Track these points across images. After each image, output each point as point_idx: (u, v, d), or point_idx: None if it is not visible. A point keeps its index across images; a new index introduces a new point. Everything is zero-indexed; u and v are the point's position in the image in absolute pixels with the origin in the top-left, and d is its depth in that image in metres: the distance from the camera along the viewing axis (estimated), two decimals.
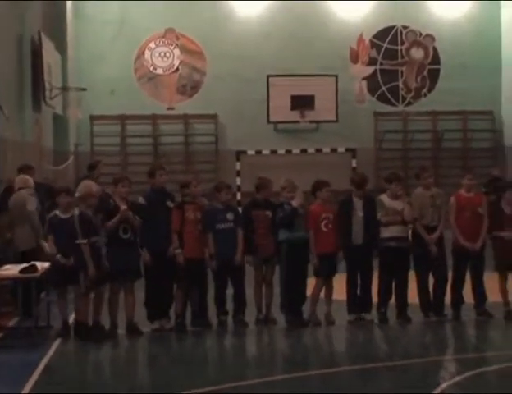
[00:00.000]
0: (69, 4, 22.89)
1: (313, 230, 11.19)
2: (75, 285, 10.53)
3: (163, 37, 24.86)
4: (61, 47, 21.24)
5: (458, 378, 8.19)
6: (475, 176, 11.87)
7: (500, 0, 25.97)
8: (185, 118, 24.77)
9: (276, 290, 11.34)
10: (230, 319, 11.23)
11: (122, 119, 24.46)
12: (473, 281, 11.43)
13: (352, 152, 24.76)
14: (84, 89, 21.92)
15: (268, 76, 24.03)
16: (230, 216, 11.20)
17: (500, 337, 10.78)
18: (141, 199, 11.14)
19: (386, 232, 11.29)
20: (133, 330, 10.82)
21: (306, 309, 11.27)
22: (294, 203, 11.15)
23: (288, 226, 11.12)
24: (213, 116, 24.72)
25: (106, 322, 10.77)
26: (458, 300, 11.39)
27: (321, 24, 25.29)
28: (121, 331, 10.79)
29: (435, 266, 11.31)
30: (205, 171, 22.79)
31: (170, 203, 11.13)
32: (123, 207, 10.71)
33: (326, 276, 11.28)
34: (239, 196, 22.95)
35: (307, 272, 11.28)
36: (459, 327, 11.10)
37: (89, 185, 11.29)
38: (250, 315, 11.29)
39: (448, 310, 11.38)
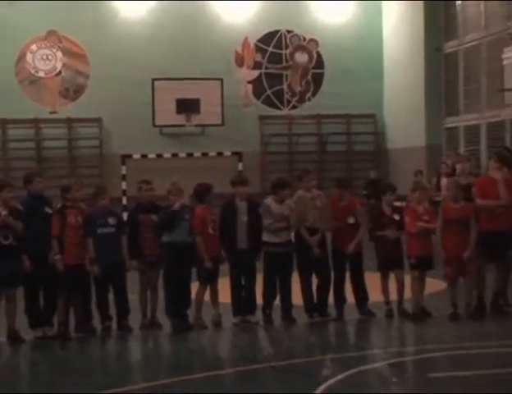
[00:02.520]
0: None
1: (199, 233, 11.17)
2: None
3: (45, 39, 24.35)
4: None
5: (340, 377, 8.32)
6: (356, 178, 12.07)
7: (382, 3, 26.57)
8: (69, 122, 24.35)
9: (161, 294, 11.27)
10: (114, 325, 11.10)
11: (3, 123, 23.87)
12: (352, 281, 11.63)
13: (238, 155, 24.85)
14: None
15: (153, 80, 23.88)
16: (111, 220, 11.07)
17: (381, 336, 11.00)
18: (18, 205, 10.86)
19: (272, 238, 11.35)
20: (14, 337, 10.57)
21: (192, 312, 11.25)
22: (176, 206, 11.11)
23: (168, 229, 11.06)
24: (97, 120, 24.39)
25: None
26: (340, 300, 11.57)
27: (206, 27, 25.30)
28: (2, 338, 10.52)
29: (318, 267, 11.45)
30: (90, 176, 22.46)
31: (48, 210, 10.91)
32: (3, 212, 10.45)
33: (211, 279, 11.28)
34: (124, 200, 22.74)
35: (191, 275, 11.25)
36: (342, 327, 11.27)
37: None
38: (135, 320, 11.18)
39: (332, 310, 11.54)
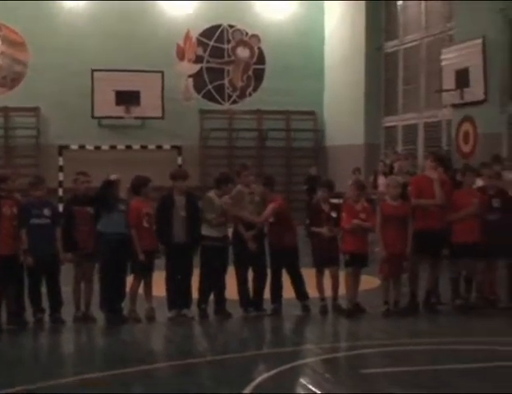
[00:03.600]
0: None
1: (134, 226, 11.10)
2: None
3: None
4: None
5: (273, 372, 8.34)
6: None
7: (324, 2, 26.70)
8: (5, 111, 24.01)
9: (96, 287, 11.17)
10: (47, 317, 10.97)
11: None
12: (290, 277, 11.67)
13: (177, 149, 24.77)
14: None
15: (93, 70, 23.67)
16: (47, 212, 10.93)
17: (315, 331, 11.06)
18: None
19: (211, 232, 11.33)
20: None
21: (126, 306, 11.17)
22: (112, 177, 11.07)
23: (103, 203, 10.97)
24: (35, 110, 24.08)
25: None
26: (276, 296, 11.59)
27: (148, 20, 25.15)
28: None
29: (254, 262, 11.46)
30: (26, 166, 22.20)
31: None
32: None
33: (145, 272, 11.22)
34: (60, 192, 22.51)
35: (126, 268, 11.16)
36: (277, 322, 11.29)
37: None
38: (68, 313, 11.07)
39: (268, 305, 11.56)
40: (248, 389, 7.69)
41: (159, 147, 24.72)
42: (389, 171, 18.94)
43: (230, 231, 11.63)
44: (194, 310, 11.36)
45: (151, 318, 11.21)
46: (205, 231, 11.37)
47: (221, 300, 11.43)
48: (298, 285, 11.65)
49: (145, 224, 11.20)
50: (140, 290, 11.30)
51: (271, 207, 11.42)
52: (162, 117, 24.41)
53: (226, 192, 11.41)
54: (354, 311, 11.45)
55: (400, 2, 24.11)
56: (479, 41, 19.00)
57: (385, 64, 24.77)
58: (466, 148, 19.75)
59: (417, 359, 9.19)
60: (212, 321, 11.27)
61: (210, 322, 11.23)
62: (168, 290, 11.33)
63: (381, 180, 18.59)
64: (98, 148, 24.15)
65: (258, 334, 10.89)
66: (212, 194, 11.53)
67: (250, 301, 11.54)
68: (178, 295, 11.33)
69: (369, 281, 12.77)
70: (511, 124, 19.10)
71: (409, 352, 9.46)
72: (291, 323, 11.44)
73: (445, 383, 8.02)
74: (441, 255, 11.85)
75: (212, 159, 25.19)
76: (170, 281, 11.34)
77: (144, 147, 24.59)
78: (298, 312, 11.58)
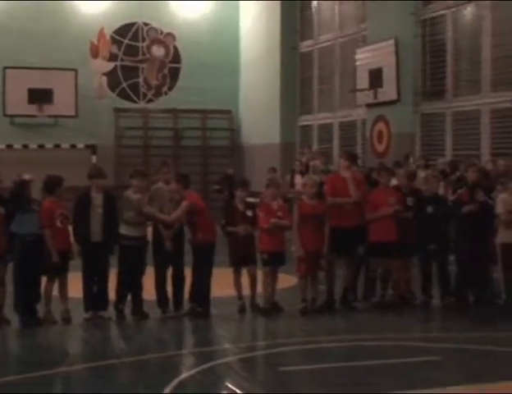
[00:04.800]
0: None
1: (47, 226, 10.90)
2: None
3: None
4: None
5: (192, 372, 8.32)
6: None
7: (239, 1, 26.76)
8: None
9: (10, 288, 10.95)
10: None
11: None
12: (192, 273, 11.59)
13: (92, 148, 24.49)
14: None
15: (5, 68, 23.23)
16: None
17: (233, 331, 11.05)
18: None
19: (130, 231, 11.21)
20: None
21: (41, 307, 10.98)
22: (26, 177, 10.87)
23: (17, 203, 10.77)
24: None
25: None
26: (196, 295, 11.53)
27: (61, 17, 24.82)
28: None
29: (173, 261, 11.38)
30: None
31: None
32: None
33: (59, 273, 11.04)
34: None
35: (41, 269, 10.95)
36: (196, 322, 11.23)
37: None
38: None
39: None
40: (167, 389, 7.64)
41: (73, 146, 24.42)
42: (305, 170, 19.09)
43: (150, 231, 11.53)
44: (110, 311, 11.22)
45: (67, 319, 11.04)
46: (123, 229, 11.25)
47: (138, 301, 11.32)
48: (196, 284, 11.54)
49: (59, 224, 11.00)
50: (56, 291, 11.11)
51: (183, 205, 11.35)
52: (76, 116, 24.12)
53: (140, 188, 11.27)
54: (272, 310, 11.49)
55: (314, 3, 24.32)
56: (392, 42, 19.33)
57: (300, 63, 24.98)
58: (380, 148, 20.07)
59: (334, 356, 9.28)
60: (130, 322, 11.15)
61: (127, 323, 11.12)
62: (84, 290, 11.17)
63: (298, 179, 18.73)
64: (9, 146, 23.72)
65: (177, 334, 10.83)
66: (129, 192, 11.41)
67: (167, 301, 11.45)
68: (94, 295, 11.18)
69: (287, 280, 12.83)
70: (424, 123, 19.48)
71: (327, 349, 9.55)
72: (210, 323, 11.38)
73: (359, 380, 8.12)
74: (356, 253, 11.98)
75: (127, 158, 24.99)
76: (86, 281, 11.18)
77: (57, 146, 24.27)
78: (217, 311, 11.56)
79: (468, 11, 18.46)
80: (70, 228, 11.20)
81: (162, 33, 26.49)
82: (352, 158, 12.44)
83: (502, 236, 11.54)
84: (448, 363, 8.77)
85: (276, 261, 11.56)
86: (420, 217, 11.95)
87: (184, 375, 8.23)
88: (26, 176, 10.99)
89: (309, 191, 11.64)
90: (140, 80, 26.31)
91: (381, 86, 19.69)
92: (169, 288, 11.41)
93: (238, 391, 7.68)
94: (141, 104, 26.22)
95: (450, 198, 12.93)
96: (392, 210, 11.49)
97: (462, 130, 18.50)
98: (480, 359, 8.91)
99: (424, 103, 19.42)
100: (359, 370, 8.47)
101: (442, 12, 18.97)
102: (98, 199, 11.19)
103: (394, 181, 12.88)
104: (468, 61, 18.48)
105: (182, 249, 11.50)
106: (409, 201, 12.06)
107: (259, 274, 11.70)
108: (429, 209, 11.91)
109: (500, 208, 11.53)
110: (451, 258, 12.19)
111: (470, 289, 11.99)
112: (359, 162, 17.76)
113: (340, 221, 11.63)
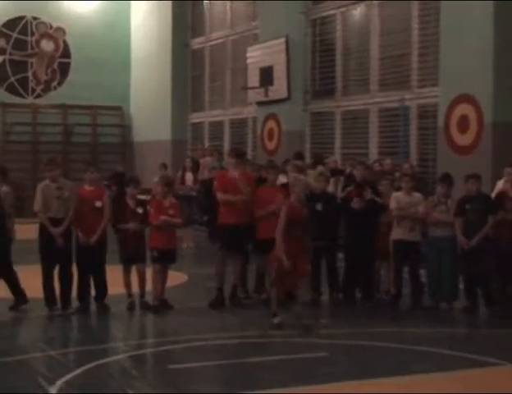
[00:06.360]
0: None
1: None
2: None
3: None
4: None
5: (79, 371, 8.19)
6: (101, 170, 11.93)
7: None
8: None
9: None
10: None
11: None
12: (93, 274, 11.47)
13: None
14: None
15: None
16: None
17: (122, 329, 10.96)
18: None
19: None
20: None
21: None
22: None
23: None
24: None
25: None
26: (83, 293, 11.38)
27: None
28: None
29: (60, 259, 11.18)
30: None
31: None
32: None
33: None
34: None
35: None
36: (84, 320, 11.09)
37: None
38: None
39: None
40: (53, 389, 7.52)
41: None
42: (196, 168, 19.12)
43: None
44: None
45: None
46: None
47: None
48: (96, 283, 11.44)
49: None
50: None
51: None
52: None
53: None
54: (161, 307, 11.44)
55: (206, 1, 24.33)
56: (282, 40, 19.51)
57: (191, 61, 24.96)
58: (271, 145, 20.24)
59: (223, 353, 9.31)
60: (9, 320, 10.92)
61: (7, 322, 10.88)
62: None
63: (189, 176, 18.73)
64: None
65: (64, 333, 10.65)
66: (5, 187, 11.22)
67: (56, 299, 11.26)
68: None
69: (177, 277, 12.80)
70: (314, 122, 19.75)
71: (216, 347, 9.57)
72: (98, 321, 11.26)
73: (249, 377, 8.17)
74: (245, 250, 12.02)
75: (14, 154, 24.46)
76: None
77: None
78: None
79: (358, 11, 18.80)
80: None
81: (51, 27, 26.03)
82: (239, 155, 12.36)
83: (394, 233, 11.79)
84: (335, 358, 8.92)
85: (166, 258, 11.52)
86: (309, 214, 12.05)
87: (71, 374, 8.09)
88: None
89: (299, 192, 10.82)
90: (29, 74, 25.80)
91: (271, 84, 19.85)
92: (56, 286, 11.23)
93: (127, 389, 7.61)
94: (29, 99, 25.70)
95: (340, 195, 13.13)
96: (275, 207, 11.39)
97: (351, 129, 18.83)
98: (367, 355, 9.09)
99: (314, 102, 19.68)
100: (249, 367, 8.53)
101: (332, 12, 19.26)
102: None
103: (283, 179, 12.99)
104: (358, 61, 18.82)
105: (70, 247, 11.32)
106: None
107: (149, 272, 11.62)
108: (318, 207, 12.02)
109: (392, 205, 11.77)
110: (340, 255, 12.36)
111: (357, 286, 12.19)
112: (250, 159, 17.88)
113: (230, 218, 11.66)
